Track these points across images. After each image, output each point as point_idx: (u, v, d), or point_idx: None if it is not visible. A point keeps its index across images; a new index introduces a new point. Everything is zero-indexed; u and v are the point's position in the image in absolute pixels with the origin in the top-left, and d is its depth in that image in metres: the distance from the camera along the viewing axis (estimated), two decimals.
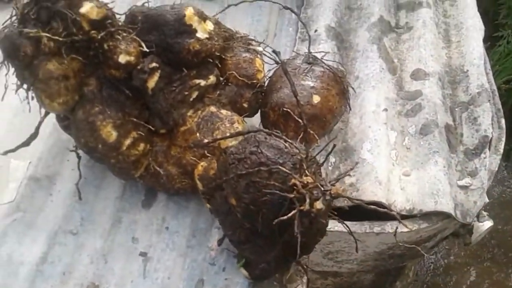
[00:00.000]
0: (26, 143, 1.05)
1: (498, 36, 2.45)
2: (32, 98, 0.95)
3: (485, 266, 2.02)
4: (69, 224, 1.04)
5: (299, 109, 0.85)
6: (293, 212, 0.70)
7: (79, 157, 1.03)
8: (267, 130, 0.83)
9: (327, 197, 0.72)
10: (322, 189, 0.72)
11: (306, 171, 0.76)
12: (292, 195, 0.72)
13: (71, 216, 1.05)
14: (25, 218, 1.03)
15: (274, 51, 0.83)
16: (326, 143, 1.16)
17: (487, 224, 1.13)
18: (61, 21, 0.88)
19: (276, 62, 1.02)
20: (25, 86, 0.92)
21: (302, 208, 0.71)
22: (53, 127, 1.15)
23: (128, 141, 0.94)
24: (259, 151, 0.80)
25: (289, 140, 0.81)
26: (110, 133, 0.92)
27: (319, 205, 0.71)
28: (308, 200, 0.70)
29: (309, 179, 0.75)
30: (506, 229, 2.11)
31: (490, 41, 2.35)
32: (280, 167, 0.76)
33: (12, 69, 0.92)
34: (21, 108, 1.19)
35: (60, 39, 0.87)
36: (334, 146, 0.79)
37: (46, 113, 1.02)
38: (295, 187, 0.74)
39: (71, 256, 0.99)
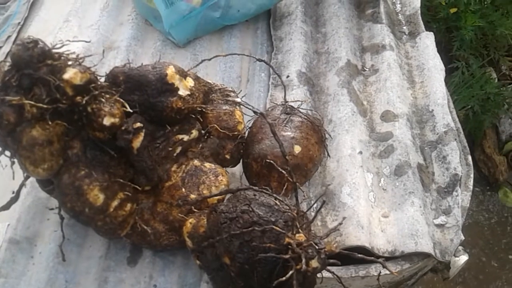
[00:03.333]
0: (6, 207, 1.03)
1: (453, 67, 2.60)
2: (13, 162, 0.94)
3: None
4: None
5: (285, 163, 0.88)
6: (290, 272, 0.72)
7: (62, 218, 1.02)
8: (256, 188, 0.86)
9: (322, 256, 0.74)
10: (317, 247, 0.74)
11: (299, 229, 0.78)
12: (287, 256, 0.74)
13: (55, 279, 1.02)
14: (7, 284, 1.00)
15: (261, 114, 0.85)
16: (310, 194, 1.21)
17: (463, 258, 1.18)
18: (44, 87, 0.87)
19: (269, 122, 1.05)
20: (7, 152, 0.91)
21: (298, 267, 0.73)
22: (30, 186, 1.13)
23: (115, 203, 0.94)
24: (251, 209, 0.82)
25: (279, 197, 0.84)
26: (97, 196, 0.91)
27: (314, 263, 0.74)
28: (304, 260, 0.72)
29: (302, 237, 0.77)
30: (474, 252, 2.20)
31: (445, 72, 2.49)
32: (273, 226, 0.78)
33: None
34: None
35: (44, 106, 0.86)
36: (324, 202, 0.82)
37: (27, 177, 1.01)
38: (289, 246, 0.76)
39: None
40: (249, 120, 1.17)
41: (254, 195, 0.85)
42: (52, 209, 1.11)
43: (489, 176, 2.65)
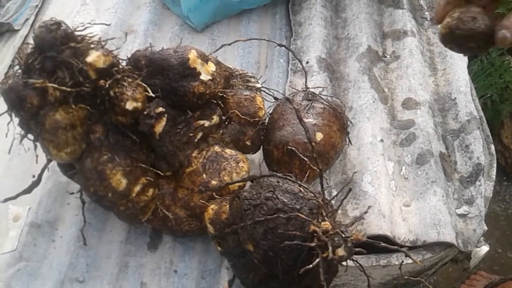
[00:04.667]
0: (28, 191, 1.03)
1: (472, 55, 2.54)
2: (36, 146, 0.94)
3: None
4: (74, 272, 1.01)
5: (308, 150, 0.87)
6: (317, 260, 0.71)
7: (83, 202, 1.02)
8: (280, 174, 0.85)
9: (349, 244, 0.73)
10: (343, 235, 0.73)
11: (325, 217, 0.77)
12: (313, 244, 0.73)
13: (76, 262, 1.03)
14: (28, 268, 1.00)
15: (287, 99, 0.84)
16: (331, 182, 1.20)
17: (484, 249, 1.16)
18: (67, 70, 0.86)
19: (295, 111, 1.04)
20: (30, 135, 0.91)
21: (324, 255, 0.72)
22: (51, 170, 1.13)
23: (137, 188, 0.93)
24: (275, 196, 0.81)
25: (303, 184, 0.82)
26: (120, 181, 0.91)
27: (341, 252, 0.73)
28: (330, 248, 0.72)
29: (327, 225, 0.76)
30: (490, 243, 2.16)
31: None
32: (298, 213, 0.77)
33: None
34: (16, 152, 1.17)
35: (67, 89, 0.86)
36: (350, 190, 0.81)
37: (49, 160, 1.00)
38: (315, 234, 0.75)
39: None
40: (269, 107, 1.16)
41: (278, 182, 0.84)
42: (73, 193, 1.11)
43: (506, 167, 2.61)
